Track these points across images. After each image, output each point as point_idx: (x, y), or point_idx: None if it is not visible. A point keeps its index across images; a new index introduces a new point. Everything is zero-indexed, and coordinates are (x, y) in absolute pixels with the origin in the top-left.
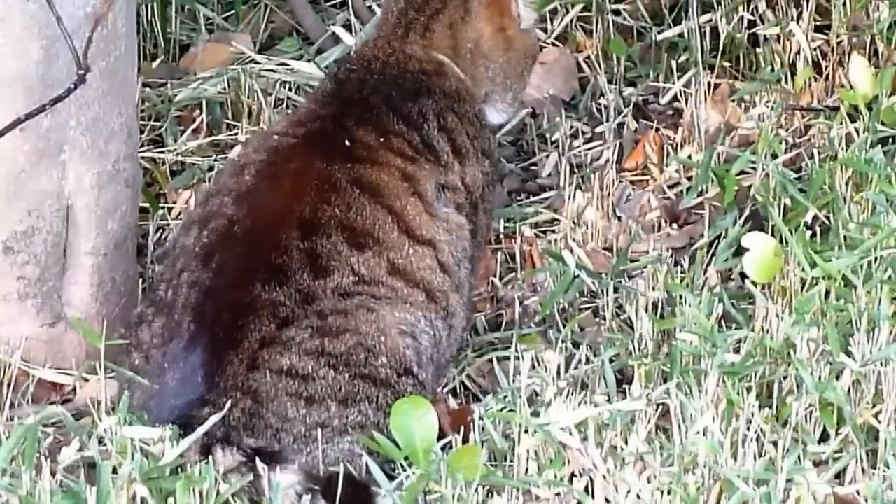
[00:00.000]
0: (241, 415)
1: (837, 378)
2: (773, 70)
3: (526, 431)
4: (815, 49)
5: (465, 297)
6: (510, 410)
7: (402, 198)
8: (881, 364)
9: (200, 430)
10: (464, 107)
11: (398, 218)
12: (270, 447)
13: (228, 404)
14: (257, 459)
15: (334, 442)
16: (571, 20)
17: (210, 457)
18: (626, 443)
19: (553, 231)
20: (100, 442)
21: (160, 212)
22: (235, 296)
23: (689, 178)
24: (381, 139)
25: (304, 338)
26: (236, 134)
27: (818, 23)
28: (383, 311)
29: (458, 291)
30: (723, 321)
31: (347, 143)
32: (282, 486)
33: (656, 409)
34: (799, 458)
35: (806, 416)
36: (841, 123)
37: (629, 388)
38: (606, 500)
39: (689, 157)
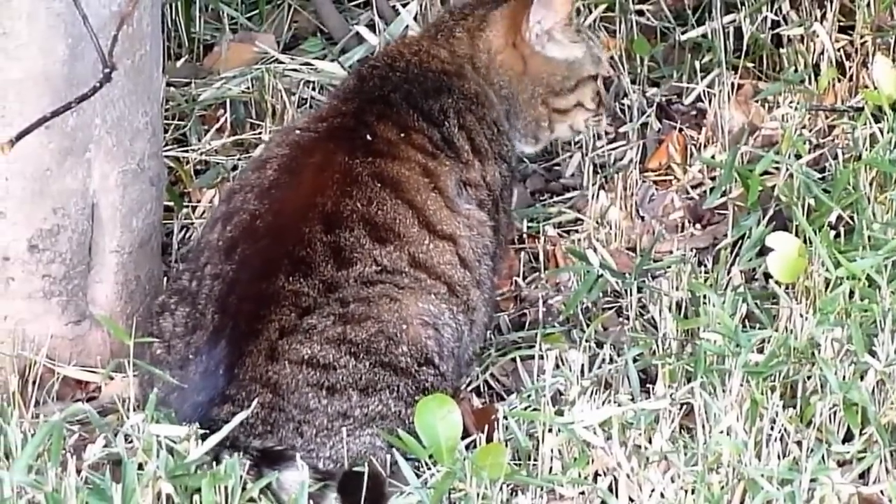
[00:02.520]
0: (260, 410)
1: (862, 378)
2: (796, 71)
3: (550, 430)
4: (838, 50)
5: (487, 293)
6: (534, 409)
7: (423, 193)
8: None
9: (227, 428)
10: (481, 110)
11: (418, 213)
12: (277, 446)
13: (254, 402)
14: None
15: (356, 435)
16: (595, 20)
17: (216, 461)
18: (650, 442)
19: (577, 231)
20: (126, 439)
21: (184, 210)
22: (259, 287)
23: (713, 179)
24: (402, 135)
25: (326, 325)
26: (260, 133)
27: (842, 23)
28: (406, 301)
29: (479, 287)
30: (747, 321)
31: (369, 137)
32: (286, 484)
33: (680, 409)
34: (823, 457)
35: (830, 416)
36: (865, 124)
37: (653, 388)
38: (630, 500)
39: (713, 157)
